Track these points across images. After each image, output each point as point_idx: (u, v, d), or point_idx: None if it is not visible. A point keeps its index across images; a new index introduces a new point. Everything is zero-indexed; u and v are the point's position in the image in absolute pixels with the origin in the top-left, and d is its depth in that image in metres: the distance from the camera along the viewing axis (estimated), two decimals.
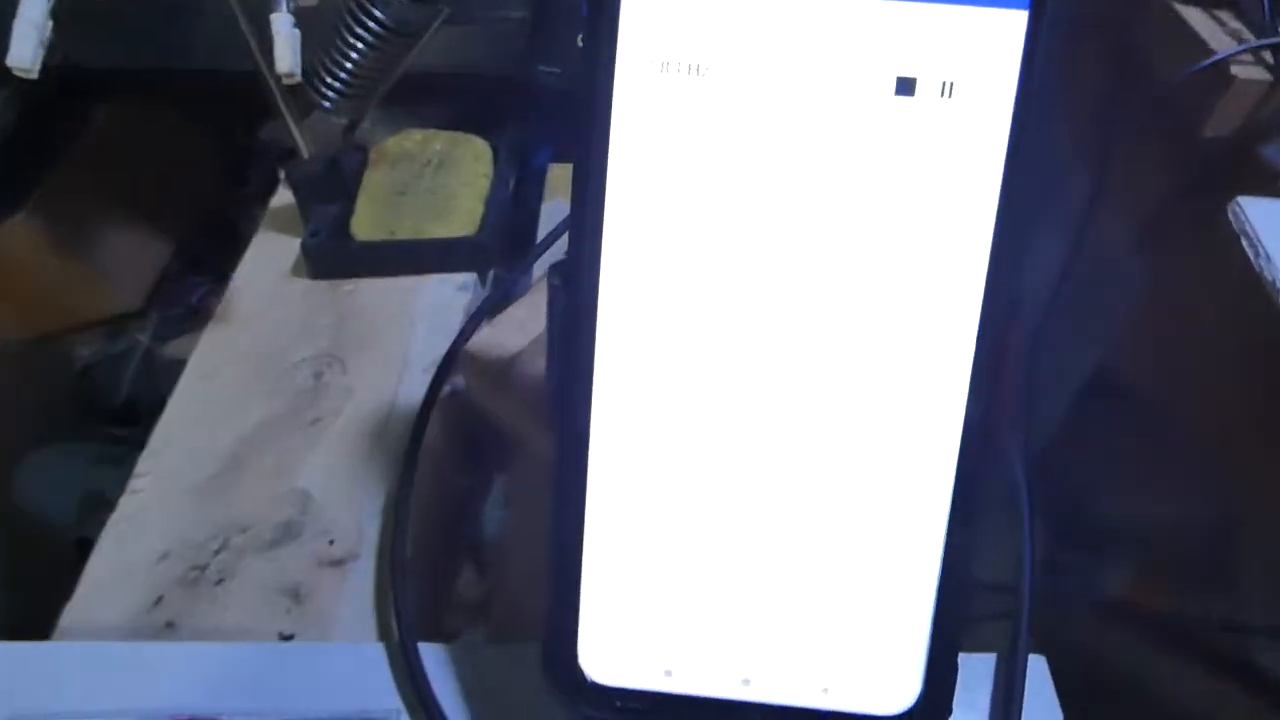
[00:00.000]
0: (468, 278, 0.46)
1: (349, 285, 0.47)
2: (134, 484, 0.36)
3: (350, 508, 0.35)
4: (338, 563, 0.33)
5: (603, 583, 0.21)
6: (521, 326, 0.36)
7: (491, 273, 0.47)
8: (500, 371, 0.35)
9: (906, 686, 0.21)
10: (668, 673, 0.21)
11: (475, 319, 0.38)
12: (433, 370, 0.39)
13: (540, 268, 0.44)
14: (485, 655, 0.29)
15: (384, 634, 0.30)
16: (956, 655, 0.21)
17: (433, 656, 0.28)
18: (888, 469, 0.20)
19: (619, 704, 0.21)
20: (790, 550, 0.20)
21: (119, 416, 0.63)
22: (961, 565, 0.20)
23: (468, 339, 0.35)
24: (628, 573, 0.21)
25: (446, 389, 0.40)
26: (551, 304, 0.21)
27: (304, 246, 0.46)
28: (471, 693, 0.28)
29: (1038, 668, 0.28)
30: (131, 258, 0.68)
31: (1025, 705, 0.26)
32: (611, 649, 0.21)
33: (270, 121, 0.60)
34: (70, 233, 0.64)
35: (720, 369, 0.20)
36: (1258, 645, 0.32)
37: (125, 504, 0.36)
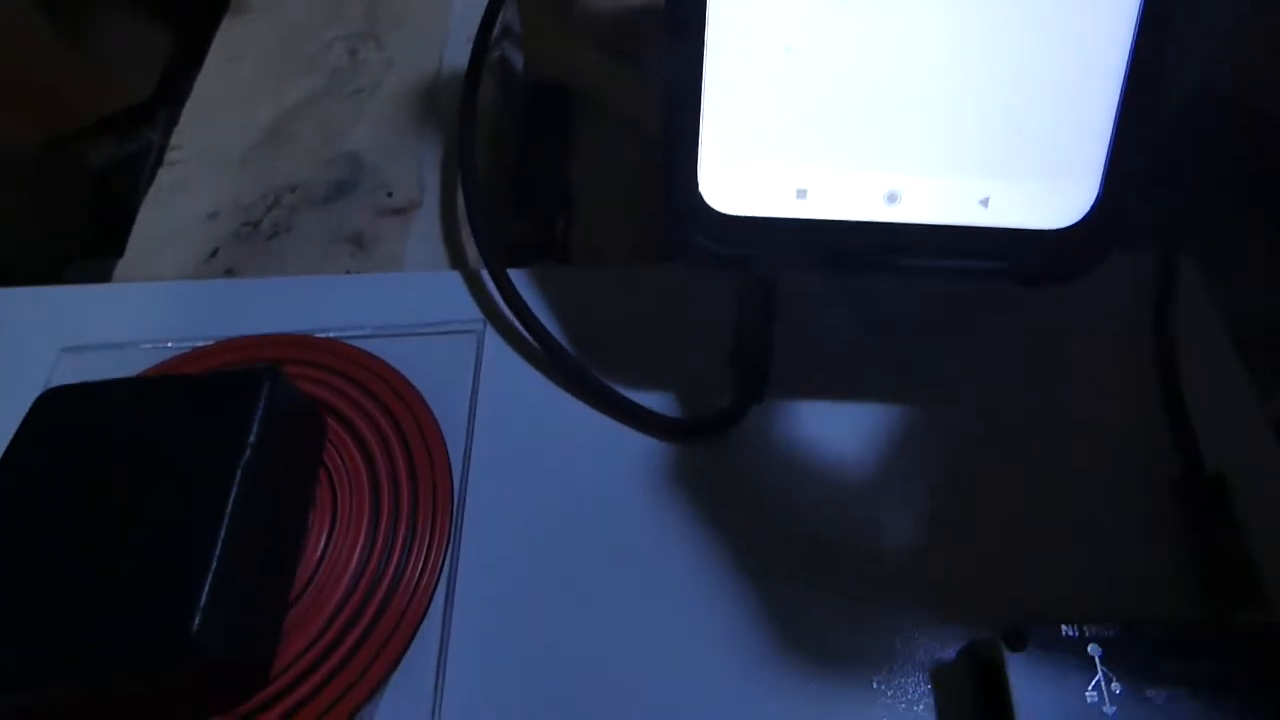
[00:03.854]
0: None
1: None
2: (170, 156, 0.34)
3: (406, 163, 0.32)
4: (399, 211, 0.30)
5: (725, 78, 0.18)
6: None
7: None
8: (559, 3, 0.31)
9: (1081, 192, 0.18)
10: (801, 193, 0.19)
11: None
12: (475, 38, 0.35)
13: None
14: (571, 275, 0.27)
15: (456, 269, 0.28)
16: (1142, 154, 0.18)
17: (515, 279, 0.26)
18: None
19: (748, 239, 0.19)
20: (945, 19, 0.17)
21: None
22: (1160, 28, 0.17)
23: None
24: (754, 61, 0.18)
25: (496, 54, 0.36)
26: None
27: None
28: (559, 308, 0.26)
29: (1187, 266, 0.25)
30: (134, 43, 0.64)
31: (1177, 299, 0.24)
32: (737, 168, 0.19)
33: None
34: (68, 16, 0.60)
35: None
36: None
37: (163, 175, 0.33)
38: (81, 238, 0.63)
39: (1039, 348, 0.24)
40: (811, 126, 0.18)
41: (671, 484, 0.22)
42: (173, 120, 0.68)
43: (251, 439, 0.18)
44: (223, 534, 0.17)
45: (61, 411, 0.20)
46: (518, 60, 0.37)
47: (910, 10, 0.17)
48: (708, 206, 0.19)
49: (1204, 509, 0.19)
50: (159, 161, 0.66)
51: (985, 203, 0.18)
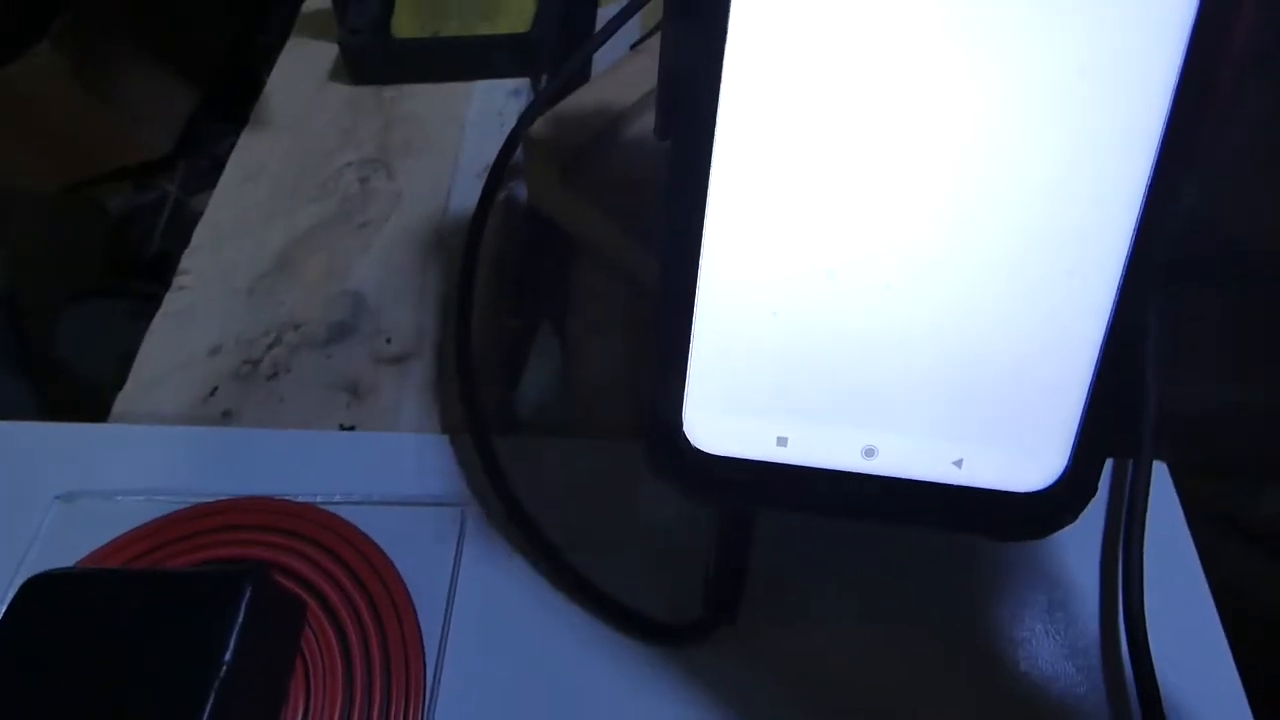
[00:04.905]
0: (520, 83, 0.43)
1: (392, 92, 0.43)
2: (179, 280, 0.34)
3: (406, 308, 0.33)
4: (396, 360, 0.31)
5: (713, 334, 0.19)
6: (587, 117, 0.33)
7: (545, 78, 0.43)
8: (566, 164, 0.32)
9: (1050, 460, 0.19)
10: (782, 441, 0.19)
11: (535, 106, 0.35)
12: (485, 175, 0.36)
13: (600, 62, 0.40)
14: (563, 449, 0.27)
15: (447, 429, 0.28)
16: (1112, 426, 0.18)
17: (504, 448, 0.27)
18: (1052, 196, 0.17)
19: (726, 477, 0.20)
20: (927, 294, 0.18)
21: (151, 271, 0.62)
22: (1137, 305, 0.17)
23: (528, 125, 0.32)
24: (741, 321, 0.19)
25: (502, 194, 0.37)
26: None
27: (342, 45, 0.43)
28: (548, 485, 0.26)
29: (1160, 472, 0.26)
30: (157, 100, 0.66)
31: (1149, 508, 0.25)
32: (720, 414, 0.19)
33: None
34: (95, 67, 0.61)
35: (858, 86, 0.17)
36: None
37: (171, 300, 0.34)
38: (93, 276, 0.64)
39: (1001, 576, 0.24)
40: (793, 382, 0.19)
41: (648, 685, 0.22)
42: (190, 173, 0.70)
43: (228, 657, 0.18)
44: None
45: (45, 602, 0.20)
46: (522, 192, 0.38)
47: (890, 287, 0.18)
48: (690, 445, 0.19)
49: None
50: (174, 211, 0.67)
51: (959, 464, 0.19)
